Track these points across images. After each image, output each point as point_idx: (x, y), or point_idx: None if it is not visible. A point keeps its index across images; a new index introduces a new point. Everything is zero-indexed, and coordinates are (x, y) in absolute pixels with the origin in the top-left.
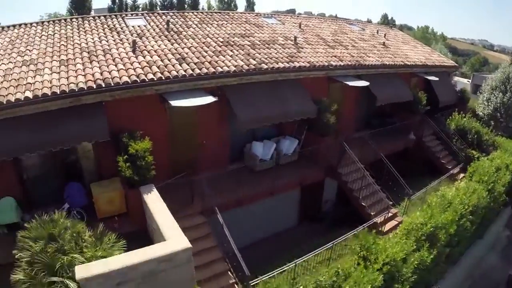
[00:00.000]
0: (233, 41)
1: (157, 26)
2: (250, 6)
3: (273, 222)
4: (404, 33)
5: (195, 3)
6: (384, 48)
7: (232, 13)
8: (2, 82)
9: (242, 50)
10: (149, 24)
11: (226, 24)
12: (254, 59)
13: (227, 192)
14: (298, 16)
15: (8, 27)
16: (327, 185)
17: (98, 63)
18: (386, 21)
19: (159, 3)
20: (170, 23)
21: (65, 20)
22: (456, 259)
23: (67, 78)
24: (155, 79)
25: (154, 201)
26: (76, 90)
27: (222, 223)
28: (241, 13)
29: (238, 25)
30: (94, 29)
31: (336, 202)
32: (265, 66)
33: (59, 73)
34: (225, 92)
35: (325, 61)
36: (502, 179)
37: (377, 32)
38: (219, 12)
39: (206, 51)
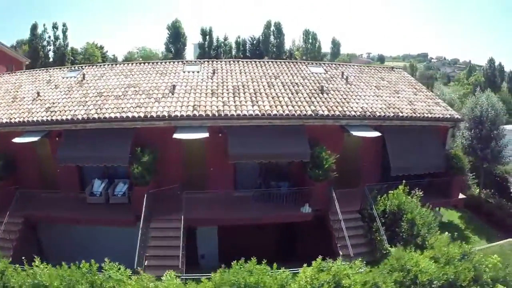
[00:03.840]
0: (112, 93)
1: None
2: (335, 47)
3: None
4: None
5: (281, 43)
6: (311, 95)
7: (166, 62)
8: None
9: (103, 100)
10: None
11: (136, 74)
12: (99, 109)
13: (51, 210)
14: (234, 62)
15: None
16: (203, 236)
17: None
18: (493, 66)
19: (248, 42)
20: (84, 76)
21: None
22: None
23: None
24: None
25: None
26: None
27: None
28: (173, 61)
29: (147, 74)
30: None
31: (220, 258)
32: (96, 116)
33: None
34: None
35: (163, 111)
36: None
37: (342, 75)
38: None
39: (74, 101)
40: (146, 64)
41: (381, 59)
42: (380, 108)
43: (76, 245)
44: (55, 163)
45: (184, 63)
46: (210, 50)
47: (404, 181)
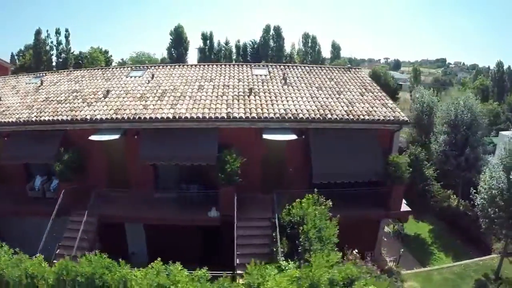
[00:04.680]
0: (56, 98)
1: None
2: (336, 51)
3: None
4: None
5: (280, 47)
6: (236, 97)
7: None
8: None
9: (46, 105)
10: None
11: (86, 79)
12: (39, 113)
13: None
14: (178, 66)
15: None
16: (132, 234)
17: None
18: (501, 69)
19: (249, 45)
20: (42, 82)
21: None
22: None
23: None
24: None
25: None
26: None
27: None
28: (122, 67)
29: (94, 80)
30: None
31: (150, 257)
32: (34, 119)
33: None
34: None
35: (87, 115)
36: None
37: (283, 76)
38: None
39: (24, 106)
40: (97, 70)
41: (397, 64)
42: (307, 110)
43: (28, 235)
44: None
45: (132, 69)
46: (211, 54)
47: (316, 189)
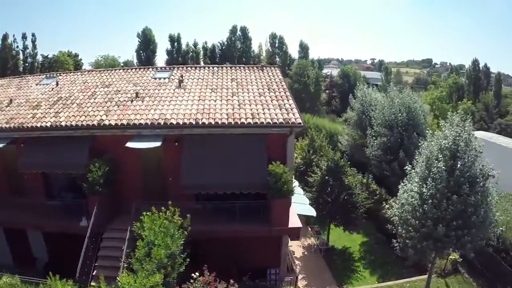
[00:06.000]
0: None
1: None
2: (304, 51)
3: None
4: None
5: (247, 47)
6: (119, 103)
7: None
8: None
9: None
10: None
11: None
12: None
13: None
14: (88, 72)
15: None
16: (34, 241)
17: None
18: (477, 67)
19: (217, 47)
20: None
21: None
22: None
23: None
24: None
25: None
26: None
27: None
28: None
29: (8, 88)
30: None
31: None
32: None
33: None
34: None
35: None
36: None
37: (180, 79)
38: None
39: None
40: (17, 78)
41: (381, 64)
42: (184, 115)
43: None
44: None
45: (46, 76)
46: (178, 56)
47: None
